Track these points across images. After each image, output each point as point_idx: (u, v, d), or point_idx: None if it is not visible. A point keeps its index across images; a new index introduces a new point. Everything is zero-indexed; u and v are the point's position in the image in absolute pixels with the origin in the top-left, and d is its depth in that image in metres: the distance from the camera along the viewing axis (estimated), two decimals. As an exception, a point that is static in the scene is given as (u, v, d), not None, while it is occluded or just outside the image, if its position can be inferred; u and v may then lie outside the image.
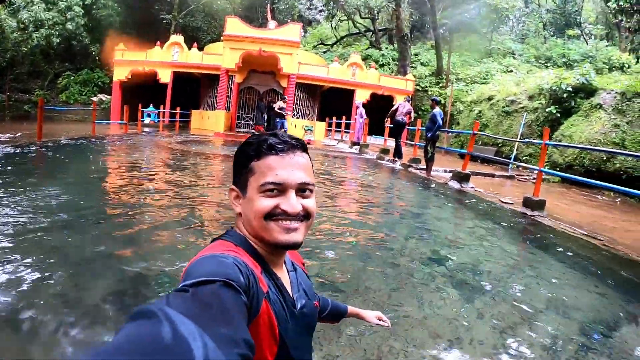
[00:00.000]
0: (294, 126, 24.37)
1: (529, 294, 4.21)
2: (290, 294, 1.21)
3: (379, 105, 25.15)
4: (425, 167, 12.90)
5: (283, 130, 19.73)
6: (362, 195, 9.21)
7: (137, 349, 0.56)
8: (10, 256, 3.85)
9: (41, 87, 31.62)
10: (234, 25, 24.75)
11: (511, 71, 27.48)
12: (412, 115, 16.07)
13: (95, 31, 31.18)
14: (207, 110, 27.46)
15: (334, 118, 24.38)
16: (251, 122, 26.88)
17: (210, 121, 25.47)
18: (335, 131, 25.16)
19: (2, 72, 30.52)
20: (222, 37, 25.92)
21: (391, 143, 16.72)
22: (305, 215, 1.15)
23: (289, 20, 32.16)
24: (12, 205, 5.46)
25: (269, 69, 26.03)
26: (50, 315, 3.01)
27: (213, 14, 35.26)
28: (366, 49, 35.82)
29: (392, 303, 3.79)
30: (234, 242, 1.13)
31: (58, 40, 29.55)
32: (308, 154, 1.19)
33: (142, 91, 28.14)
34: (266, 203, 1.10)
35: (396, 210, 7.83)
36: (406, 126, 15.63)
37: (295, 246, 1.14)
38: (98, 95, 30.91)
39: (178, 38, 27.62)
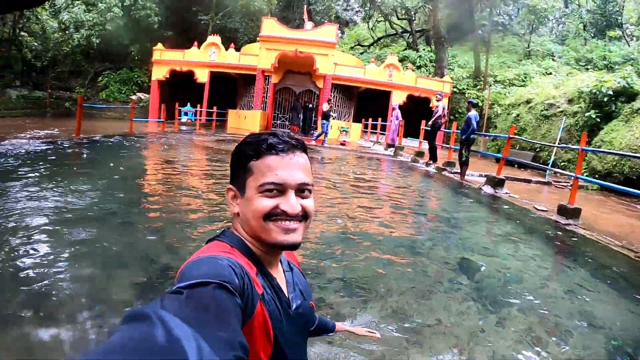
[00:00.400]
0: (330, 127, 24.65)
1: (556, 307, 4.14)
2: (286, 294, 1.23)
3: (416, 107, 25.52)
4: (459, 171, 12.91)
5: (324, 133, 20.70)
6: (392, 198, 9.27)
7: (131, 352, 0.57)
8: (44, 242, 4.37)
9: (82, 86, 33.29)
10: (270, 26, 25.34)
11: (550, 73, 27.48)
12: (445, 112, 16.19)
13: (134, 32, 32.53)
14: (243, 109, 28.27)
15: (370, 119, 24.73)
16: (287, 122, 27.69)
17: (247, 121, 26.19)
18: (371, 133, 25.54)
19: (44, 70, 32.09)
20: (258, 38, 26.50)
21: (426, 146, 16.95)
22: (304, 216, 1.17)
23: (325, 21, 32.49)
24: (40, 200, 5.98)
25: (305, 69, 26.59)
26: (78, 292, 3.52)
27: (250, 15, 36.21)
28: (403, 51, 36.20)
29: (413, 309, 3.80)
30: (229, 243, 1.15)
31: (98, 41, 30.88)
32: (307, 154, 1.22)
33: (180, 90, 29.28)
34: (266, 203, 1.12)
35: (426, 215, 7.89)
36: (441, 128, 15.70)
37: (294, 247, 1.16)
38: (137, 93, 32.37)
39: (215, 39, 28.52)
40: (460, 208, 8.91)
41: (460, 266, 5.03)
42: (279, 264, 1.29)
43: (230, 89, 30.49)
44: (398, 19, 38.96)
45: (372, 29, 42.80)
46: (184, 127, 24.58)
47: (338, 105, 27.47)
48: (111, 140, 14.68)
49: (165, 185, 8.39)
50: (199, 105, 27.51)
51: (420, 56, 33.78)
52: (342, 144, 21.81)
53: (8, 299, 3.28)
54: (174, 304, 0.74)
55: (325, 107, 20.67)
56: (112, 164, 10.16)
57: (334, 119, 25.72)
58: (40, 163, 9.11)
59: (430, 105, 17.55)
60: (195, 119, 26.89)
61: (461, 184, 11.87)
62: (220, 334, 0.71)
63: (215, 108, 26.43)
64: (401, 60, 30.53)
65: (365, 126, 25.90)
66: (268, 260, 1.21)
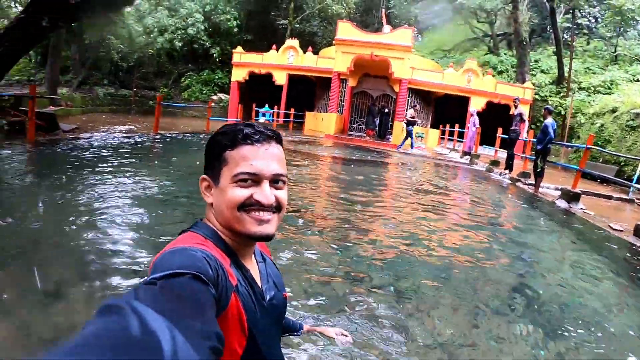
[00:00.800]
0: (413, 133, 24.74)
1: (620, 344, 3.78)
2: (260, 286, 1.26)
3: (495, 114, 25.30)
4: (534, 182, 12.44)
5: (410, 139, 21.02)
6: (458, 208, 9.15)
7: (105, 344, 0.56)
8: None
9: (165, 86, 36.16)
10: (345, 30, 25.85)
11: (638, 80, 26.61)
12: (525, 118, 15.83)
13: (214, 35, 34.79)
14: (320, 112, 29.02)
15: (447, 126, 24.85)
16: (364, 126, 28.25)
17: (323, 123, 27.12)
18: (448, 139, 25.60)
19: (130, 71, 34.97)
20: (333, 41, 27.10)
21: (502, 154, 16.77)
22: (278, 207, 1.20)
23: (404, 25, 32.60)
24: (119, 184, 7.33)
25: (382, 73, 26.84)
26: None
27: (328, 19, 37.15)
28: (484, 55, 36.11)
29: (460, 330, 3.69)
30: (203, 235, 1.17)
31: (180, 44, 33.36)
32: (282, 145, 1.25)
33: (259, 92, 30.76)
34: (240, 193, 1.15)
35: (490, 228, 7.52)
36: (519, 137, 15.35)
37: (267, 238, 1.19)
38: (218, 94, 34.45)
39: (293, 42, 29.56)
40: (528, 222, 8.51)
41: (517, 288, 4.78)
42: (253, 255, 1.33)
43: (308, 91, 31.46)
44: (478, 22, 38.96)
45: (452, 33, 42.70)
46: None
47: (415, 111, 27.47)
48: (186, 136, 16.35)
49: None
50: (276, 107, 28.70)
51: (501, 61, 33.65)
52: (417, 148, 22.17)
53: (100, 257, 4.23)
54: (148, 295, 0.75)
55: (410, 113, 21.01)
56: (175, 158, 11.64)
57: (416, 125, 25.83)
58: (120, 154, 10.83)
59: (510, 112, 17.42)
60: (273, 120, 28.12)
61: (534, 196, 11.49)
62: (194, 325, 0.73)
63: (292, 110, 27.64)
64: (482, 65, 30.44)
65: (442, 133, 25.95)
66: (242, 252, 1.24)
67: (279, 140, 1.23)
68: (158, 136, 15.47)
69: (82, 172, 8.12)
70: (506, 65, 32.87)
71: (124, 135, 14.96)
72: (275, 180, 1.18)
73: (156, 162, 11.11)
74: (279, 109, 28.61)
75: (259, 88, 30.87)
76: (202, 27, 33.48)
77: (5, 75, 18.28)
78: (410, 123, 20.88)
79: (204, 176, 1.23)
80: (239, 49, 30.39)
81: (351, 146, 21.38)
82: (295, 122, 28.69)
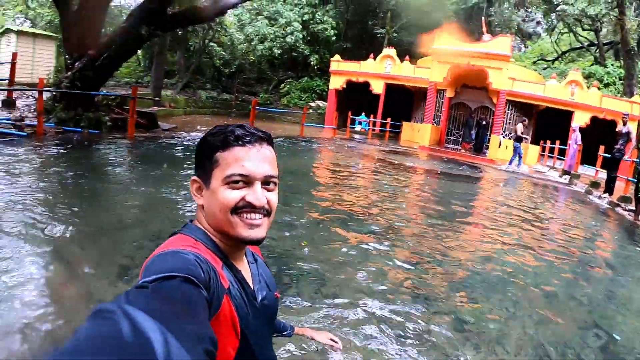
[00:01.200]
0: (505, 147, 24.17)
1: None
2: (251, 287, 1.28)
3: (600, 131, 23.81)
4: (634, 208, 11.33)
5: (518, 156, 20.23)
6: (547, 234, 8.41)
7: (97, 349, 0.56)
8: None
9: (266, 91, 38.72)
10: (442, 38, 25.73)
11: None
12: (632, 137, 14.84)
13: (313, 44, 36.53)
14: (417, 122, 29.36)
15: (548, 142, 23.79)
16: (460, 139, 27.97)
17: (419, 134, 27.19)
18: (548, 156, 24.32)
19: (231, 76, 37.85)
20: (430, 50, 26.90)
21: (603, 175, 15.68)
22: (268, 211, 1.22)
23: (506, 33, 32.06)
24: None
25: (480, 84, 26.12)
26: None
27: (427, 28, 36.82)
28: (590, 66, 34.54)
29: None
30: (193, 237, 1.18)
31: (280, 52, 35.48)
32: (274, 147, 1.27)
33: (356, 100, 31.62)
34: (231, 195, 1.17)
35: (576, 259, 6.87)
36: (624, 157, 14.36)
37: (257, 242, 1.22)
38: (316, 101, 36.33)
39: (390, 51, 30.05)
40: (620, 255, 7.77)
41: (594, 330, 4.32)
42: (244, 256, 1.35)
43: (406, 101, 31.45)
44: (583, 30, 37.68)
45: (555, 41, 41.50)
46: (356, 136, 26.59)
47: (514, 124, 25.36)
48: (276, 140, 17.15)
49: (308, 180, 10.47)
50: (372, 116, 29.25)
51: (608, 72, 31.96)
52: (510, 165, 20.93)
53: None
54: (140, 298, 0.76)
55: (519, 128, 20.11)
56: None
57: (504, 136, 25.38)
58: None
59: (617, 130, 16.29)
60: (369, 129, 28.52)
61: (634, 225, 10.54)
62: (188, 328, 0.73)
63: (389, 119, 27.69)
64: (587, 77, 29.17)
65: (543, 149, 24.76)
66: (233, 253, 1.26)
67: (270, 142, 1.26)
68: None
69: (173, 167, 9.74)
70: (613, 77, 31.31)
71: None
72: (266, 182, 1.22)
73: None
74: (375, 117, 28.85)
75: (356, 96, 31.60)
76: (301, 36, 35.15)
77: (113, 77, 21.11)
78: (519, 139, 20.11)
79: (195, 177, 1.26)
80: (337, 57, 31.37)
81: (444, 159, 21.10)
82: (392, 132, 28.72)
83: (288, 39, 34.68)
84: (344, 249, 5.49)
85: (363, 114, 30.39)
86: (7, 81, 17.13)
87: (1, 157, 8.63)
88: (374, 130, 28.37)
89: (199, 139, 1.27)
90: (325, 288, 4.29)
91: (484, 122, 25.72)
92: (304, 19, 35.54)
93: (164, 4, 14.60)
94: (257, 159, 1.18)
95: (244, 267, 1.31)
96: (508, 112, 25.79)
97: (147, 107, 20.60)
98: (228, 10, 22.67)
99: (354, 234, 6.29)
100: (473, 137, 26.22)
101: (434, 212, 8.82)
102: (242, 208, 1.17)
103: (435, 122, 27.39)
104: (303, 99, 36.34)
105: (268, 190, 1.21)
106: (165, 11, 14.85)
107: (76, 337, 0.59)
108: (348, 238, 6.05)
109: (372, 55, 30.18)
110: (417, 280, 4.83)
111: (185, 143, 13.94)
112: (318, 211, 7.44)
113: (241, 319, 1.14)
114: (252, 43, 35.74)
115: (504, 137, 25.61)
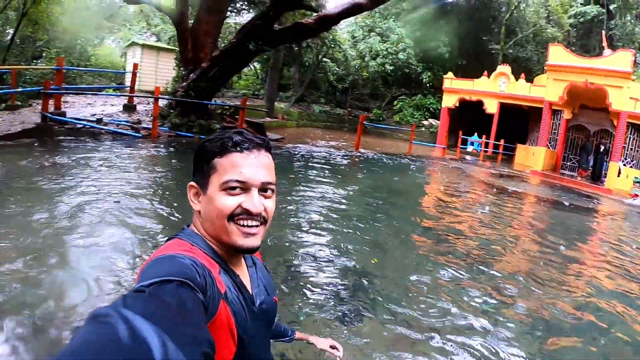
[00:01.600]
0: (626, 176, 21.90)
1: None
2: (250, 291, 1.29)
3: None
4: None
5: None
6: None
7: (95, 352, 0.58)
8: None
9: (379, 107, 40.07)
10: (557, 54, 24.32)
11: None
12: None
13: (425, 60, 36.90)
14: (532, 145, 27.93)
15: None
16: (577, 165, 26.48)
17: (534, 158, 25.50)
18: None
19: (345, 91, 39.90)
20: (545, 67, 25.89)
21: None
22: (264, 219, 1.23)
23: (628, 48, 30.30)
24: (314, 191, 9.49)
25: (600, 105, 23.84)
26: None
27: (544, 44, 35.97)
28: None
29: None
30: (190, 242, 1.20)
31: (392, 68, 36.37)
32: (271, 153, 1.28)
33: (469, 119, 31.02)
34: (228, 202, 1.18)
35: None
36: None
37: (252, 251, 1.23)
38: (429, 119, 36.83)
39: (505, 68, 29.22)
40: None
41: None
42: (242, 260, 1.36)
43: (521, 121, 30.22)
44: None
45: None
46: (467, 157, 26.18)
47: (636, 151, 24.59)
48: (382, 157, 18.36)
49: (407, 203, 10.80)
50: (484, 136, 28.21)
51: None
52: (634, 197, 19.20)
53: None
54: (137, 302, 0.76)
55: None
56: (360, 175, 13.76)
57: (624, 164, 23.27)
58: (310, 166, 13.11)
59: None
60: (481, 150, 28.00)
61: None
62: (185, 331, 0.74)
63: (502, 141, 26.95)
64: None
65: None
66: (230, 258, 1.27)
67: (268, 149, 1.27)
68: (357, 153, 17.96)
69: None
70: None
71: (326, 149, 18.03)
72: (264, 189, 1.22)
73: (339, 176, 12.66)
74: (488, 138, 28.06)
75: (469, 115, 31.00)
76: (413, 53, 35.80)
77: (232, 89, 23.38)
78: None
79: (192, 183, 1.27)
80: (450, 74, 31.23)
81: (557, 186, 19.55)
82: (505, 154, 27.93)
83: (400, 56, 35.35)
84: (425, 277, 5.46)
85: (475, 134, 29.70)
86: (129, 88, 20.08)
87: (117, 152, 10.50)
88: (486, 151, 27.76)
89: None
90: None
91: (602, 148, 24.16)
92: (415, 35, 36.02)
93: (271, 20, 15.63)
94: (254, 166, 1.20)
95: (243, 271, 1.32)
96: (630, 137, 23.91)
97: (260, 117, 22.36)
98: (332, 27, 23.56)
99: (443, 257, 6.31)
100: (591, 163, 24.67)
101: (531, 244, 8.34)
102: (238, 215, 1.19)
103: (550, 146, 26.01)
104: (415, 116, 36.77)
105: (265, 197, 1.23)
106: (272, 27, 15.90)
107: (74, 341, 0.62)
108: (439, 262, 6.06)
109: (485, 72, 29.54)
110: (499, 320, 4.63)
111: (284, 154, 15.02)
112: (411, 233, 7.74)
113: (238, 324, 1.16)
114: (365, 59, 36.97)
115: (624, 164, 23.35)
